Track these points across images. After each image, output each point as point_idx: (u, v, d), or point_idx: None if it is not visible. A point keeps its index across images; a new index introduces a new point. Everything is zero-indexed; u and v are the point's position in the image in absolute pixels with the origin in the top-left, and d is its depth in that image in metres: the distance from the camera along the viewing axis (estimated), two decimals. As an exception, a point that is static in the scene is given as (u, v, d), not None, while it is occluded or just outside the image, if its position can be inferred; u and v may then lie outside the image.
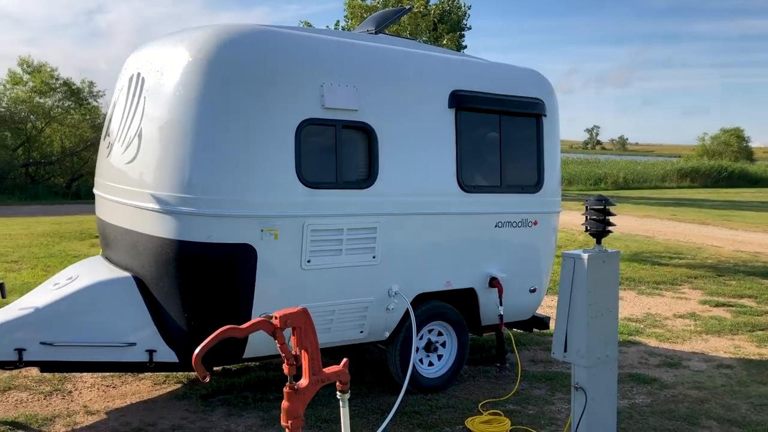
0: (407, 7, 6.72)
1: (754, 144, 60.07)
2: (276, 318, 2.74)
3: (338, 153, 4.69)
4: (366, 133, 4.80)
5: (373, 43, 5.21)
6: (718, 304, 8.81)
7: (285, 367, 2.81)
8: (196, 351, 2.73)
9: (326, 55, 4.75)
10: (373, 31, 5.74)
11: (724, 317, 8.14)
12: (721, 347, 6.93)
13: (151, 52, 4.98)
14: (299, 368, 2.89)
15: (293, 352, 2.82)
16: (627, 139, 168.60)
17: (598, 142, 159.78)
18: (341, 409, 3.11)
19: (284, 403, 2.84)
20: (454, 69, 5.44)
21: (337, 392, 3.03)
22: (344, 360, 3.03)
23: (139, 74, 4.93)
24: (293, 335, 2.86)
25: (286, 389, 2.85)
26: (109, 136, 5.28)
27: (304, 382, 2.88)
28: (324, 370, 2.87)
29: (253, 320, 2.77)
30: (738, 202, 27.25)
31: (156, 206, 4.41)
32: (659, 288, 9.81)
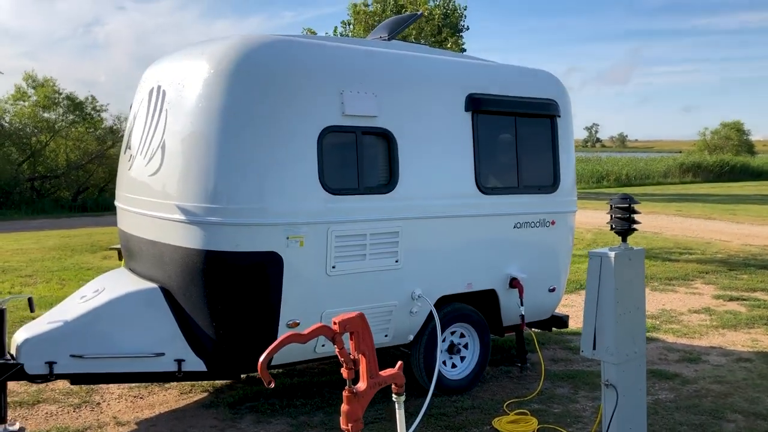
0: (418, 12, 6.78)
1: (754, 137, 60.14)
2: (335, 323, 2.78)
3: (359, 159, 4.73)
4: (386, 138, 4.85)
5: (389, 50, 5.26)
6: (731, 299, 8.83)
7: (344, 372, 2.86)
8: (261, 358, 2.82)
9: (345, 63, 4.81)
10: (386, 38, 5.80)
11: (739, 311, 8.17)
12: (738, 341, 6.96)
13: (171, 64, 5.03)
14: (357, 372, 2.93)
15: (351, 356, 2.86)
16: (627, 136, 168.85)
17: (598, 140, 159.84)
18: (397, 411, 3.16)
19: (344, 407, 2.89)
20: (470, 72, 5.49)
21: (393, 395, 3.08)
22: (399, 363, 3.08)
23: (159, 87, 4.98)
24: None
25: (345, 393, 2.90)
26: (130, 149, 5.32)
27: (362, 385, 2.94)
28: (380, 373, 2.91)
29: (315, 326, 2.81)
30: (742, 195, 27.27)
31: (182, 217, 4.46)
32: (672, 284, 9.85)
